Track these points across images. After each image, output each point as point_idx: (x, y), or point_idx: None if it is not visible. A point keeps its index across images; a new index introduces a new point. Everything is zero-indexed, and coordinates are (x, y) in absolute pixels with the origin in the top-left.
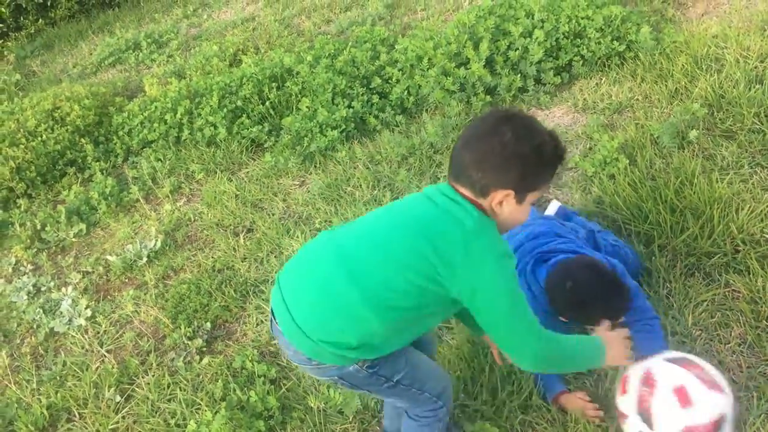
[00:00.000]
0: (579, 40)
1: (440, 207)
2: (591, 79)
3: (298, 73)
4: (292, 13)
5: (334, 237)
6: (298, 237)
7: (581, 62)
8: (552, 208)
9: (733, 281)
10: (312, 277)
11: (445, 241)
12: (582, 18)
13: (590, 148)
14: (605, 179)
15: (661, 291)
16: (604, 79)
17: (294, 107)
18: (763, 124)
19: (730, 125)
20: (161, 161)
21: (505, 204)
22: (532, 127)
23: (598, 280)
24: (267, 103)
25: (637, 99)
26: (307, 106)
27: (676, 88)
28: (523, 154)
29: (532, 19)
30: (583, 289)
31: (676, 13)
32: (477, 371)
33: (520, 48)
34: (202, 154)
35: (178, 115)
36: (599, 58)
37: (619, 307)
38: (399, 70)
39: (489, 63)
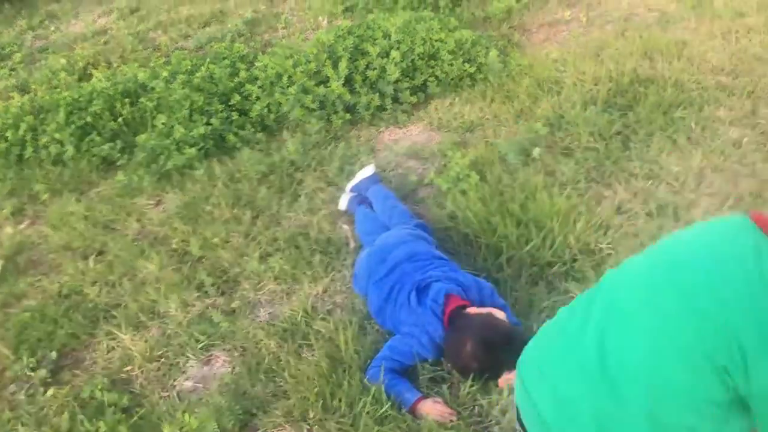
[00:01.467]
0: (433, 61)
1: (756, 268)
2: (445, 98)
3: (153, 88)
4: (148, 26)
5: (596, 307)
6: (153, 258)
7: (436, 82)
8: (368, 171)
9: (572, 288)
10: (562, 366)
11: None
12: (436, 41)
13: (445, 165)
14: (458, 195)
15: (508, 300)
16: (457, 98)
17: (149, 124)
18: (596, 142)
19: (569, 143)
20: (1, 181)
21: None
22: None
23: (495, 348)
24: (119, 119)
25: (487, 118)
26: (163, 123)
27: (522, 109)
28: None
29: (389, 40)
30: (483, 360)
31: (521, 37)
32: (335, 386)
33: (377, 68)
34: (48, 173)
35: (21, 132)
36: (452, 79)
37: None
38: (259, 88)
39: (348, 81)
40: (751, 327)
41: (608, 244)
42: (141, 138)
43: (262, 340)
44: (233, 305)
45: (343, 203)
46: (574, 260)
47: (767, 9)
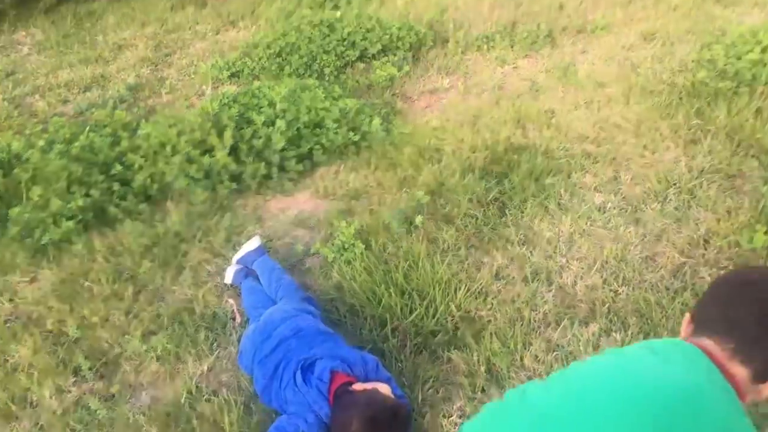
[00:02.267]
0: (318, 129)
1: (695, 376)
2: (331, 166)
3: (28, 159)
4: (24, 91)
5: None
6: (26, 341)
7: (321, 150)
8: (253, 243)
9: (454, 357)
10: None
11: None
12: (320, 109)
13: (331, 234)
14: (343, 265)
15: (393, 371)
16: (342, 166)
17: (24, 196)
18: (475, 209)
19: (449, 210)
20: None
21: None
22: None
23: (380, 424)
24: None
25: (372, 186)
26: (38, 195)
27: (405, 177)
28: None
29: (275, 108)
30: None
31: (403, 105)
32: None
33: (263, 136)
34: None
35: None
36: (338, 147)
37: None
38: (142, 157)
39: (234, 150)
40: None
41: (488, 310)
42: (14, 211)
43: (143, 426)
44: (112, 390)
45: (228, 276)
46: (456, 328)
47: (624, 80)
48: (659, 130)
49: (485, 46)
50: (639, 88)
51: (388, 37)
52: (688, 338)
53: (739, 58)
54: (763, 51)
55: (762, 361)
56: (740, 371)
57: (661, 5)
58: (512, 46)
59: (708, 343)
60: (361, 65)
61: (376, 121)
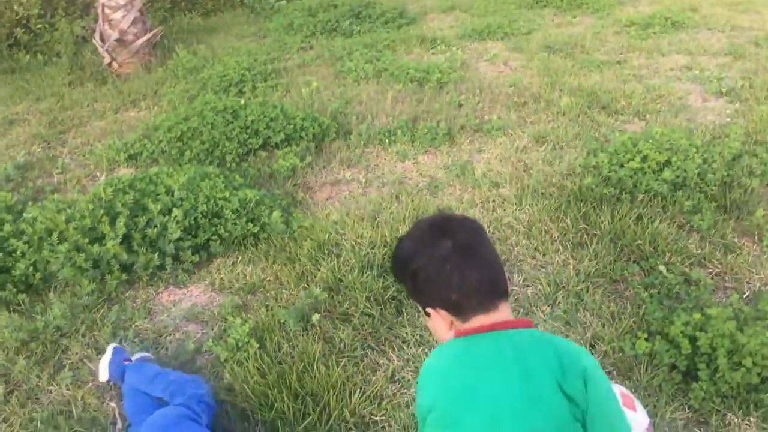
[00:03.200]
0: (217, 219)
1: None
2: (228, 257)
3: None
4: None
5: None
6: None
7: (219, 241)
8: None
9: None
10: None
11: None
12: (219, 199)
13: (225, 330)
14: (236, 366)
15: None
16: (240, 258)
17: None
18: (372, 308)
19: (347, 308)
20: None
21: None
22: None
23: None
24: None
25: (269, 280)
26: None
27: (303, 272)
28: None
29: (172, 196)
30: None
31: (304, 196)
32: None
33: (158, 225)
34: None
35: None
36: (236, 238)
37: None
38: (25, 243)
39: (126, 239)
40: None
41: (382, 416)
42: None
43: None
44: None
45: (103, 372)
46: None
47: (517, 182)
48: (549, 232)
49: (387, 140)
50: (531, 190)
51: (291, 126)
52: (460, 331)
53: (621, 166)
54: (643, 160)
55: (504, 286)
56: (504, 307)
57: (552, 109)
58: (413, 142)
59: (480, 318)
60: (264, 154)
61: (276, 213)
